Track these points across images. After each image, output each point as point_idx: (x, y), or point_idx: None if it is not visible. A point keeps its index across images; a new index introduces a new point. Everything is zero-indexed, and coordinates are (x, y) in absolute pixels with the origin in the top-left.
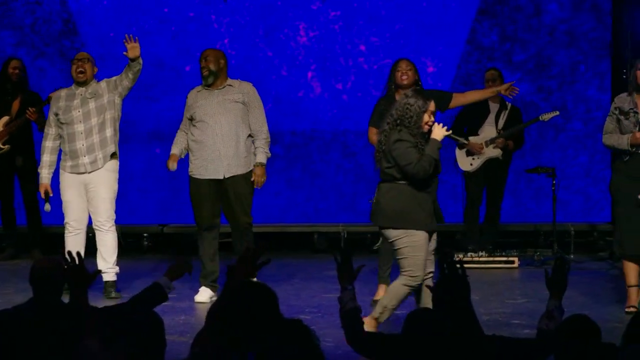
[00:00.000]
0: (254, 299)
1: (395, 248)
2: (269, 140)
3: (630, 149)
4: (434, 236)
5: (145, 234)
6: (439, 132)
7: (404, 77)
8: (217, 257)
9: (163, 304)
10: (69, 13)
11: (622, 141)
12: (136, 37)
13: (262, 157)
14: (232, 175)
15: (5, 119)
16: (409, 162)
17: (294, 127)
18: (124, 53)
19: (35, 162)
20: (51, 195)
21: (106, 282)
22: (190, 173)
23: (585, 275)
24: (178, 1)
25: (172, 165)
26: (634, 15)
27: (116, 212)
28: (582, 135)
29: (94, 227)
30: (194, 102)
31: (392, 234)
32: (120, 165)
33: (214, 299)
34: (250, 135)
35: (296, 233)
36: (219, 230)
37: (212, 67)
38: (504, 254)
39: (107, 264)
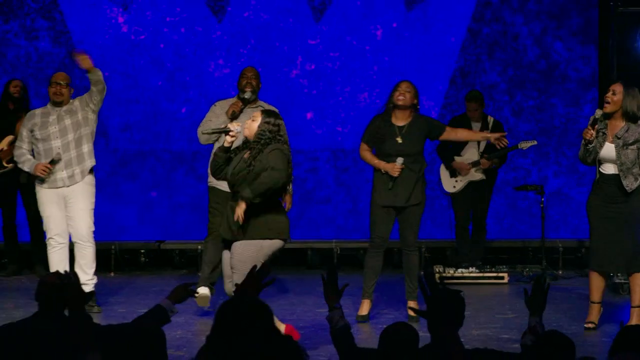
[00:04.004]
0: (252, 314)
1: None
2: None
3: (585, 144)
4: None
5: (142, 250)
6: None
7: (401, 97)
8: (218, 266)
9: None
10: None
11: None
12: (81, 51)
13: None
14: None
15: (10, 138)
16: None
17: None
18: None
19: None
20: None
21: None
22: (209, 182)
23: (572, 291)
24: (173, 40)
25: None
26: (621, 47)
27: (112, 229)
28: (571, 155)
29: (73, 240)
30: (221, 114)
31: None
32: (117, 185)
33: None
34: None
35: (289, 249)
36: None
37: (254, 84)
38: (493, 270)
39: (87, 276)
